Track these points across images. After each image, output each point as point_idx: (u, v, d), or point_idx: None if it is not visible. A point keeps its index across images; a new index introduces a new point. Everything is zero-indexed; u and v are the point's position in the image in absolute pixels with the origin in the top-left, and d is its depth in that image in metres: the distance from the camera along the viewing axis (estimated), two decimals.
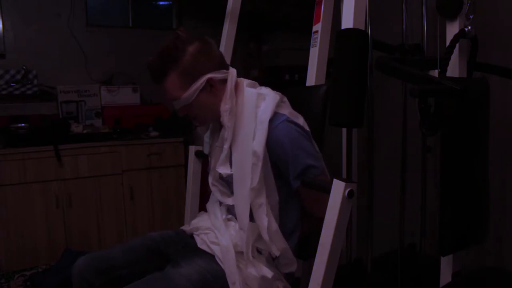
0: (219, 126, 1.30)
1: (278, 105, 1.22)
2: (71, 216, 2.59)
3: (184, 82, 1.22)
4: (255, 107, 1.22)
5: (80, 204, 2.61)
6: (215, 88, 1.25)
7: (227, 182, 1.32)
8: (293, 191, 1.21)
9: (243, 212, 1.21)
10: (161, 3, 3.63)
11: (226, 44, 1.68)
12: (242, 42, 3.50)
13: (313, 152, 1.20)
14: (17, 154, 2.44)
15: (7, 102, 2.73)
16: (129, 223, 2.76)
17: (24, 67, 2.77)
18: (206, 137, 1.45)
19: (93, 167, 2.63)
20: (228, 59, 1.67)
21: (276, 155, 1.19)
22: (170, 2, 3.53)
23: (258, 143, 1.17)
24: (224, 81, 1.26)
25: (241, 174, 1.21)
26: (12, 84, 2.73)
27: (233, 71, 1.29)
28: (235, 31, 1.69)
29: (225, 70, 1.27)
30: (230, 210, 1.32)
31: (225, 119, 1.23)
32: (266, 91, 1.27)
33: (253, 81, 1.33)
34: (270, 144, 1.18)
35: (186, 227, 1.41)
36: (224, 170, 1.27)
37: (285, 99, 1.29)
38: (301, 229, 1.28)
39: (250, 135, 1.19)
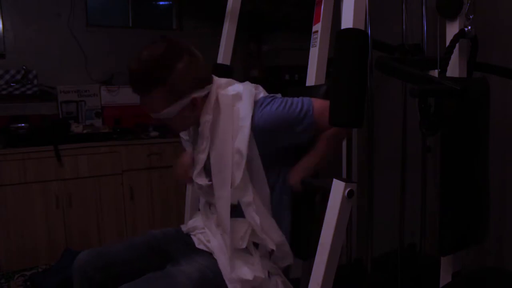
0: (197, 127, 1.29)
1: (255, 96, 1.23)
2: (71, 216, 2.59)
3: (168, 100, 1.18)
4: (232, 110, 1.21)
5: (80, 204, 2.61)
6: (196, 106, 1.22)
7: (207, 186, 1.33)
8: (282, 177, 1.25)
9: (224, 215, 1.21)
10: (161, 3, 3.63)
11: (226, 44, 1.68)
12: (242, 42, 3.50)
13: (295, 105, 1.19)
14: (17, 154, 2.44)
15: (7, 102, 2.73)
16: (129, 223, 2.76)
17: (24, 67, 2.77)
18: (184, 135, 1.44)
19: (93, 167, 2.63)
20: (228, 59, 1.67)
21: (274, 139, 1.20)
22: (170, 2, 3.53)
23: (241, 140, 1.17)
24: (206, 95, 1.24)
25: (221, 178, 1.21)
26: (12, 84, 2.73)
27: (216, 81, 1.26)
28: (235, 31, 1.69)
29: (208, 86, 1.23)
30: None
31: (205, 130, 1.22)
32: (239, 88, 1.25)
33: (228, 79, 1.31)
34: (263, 134, 1.18)
35: (183, 227, 1.41)
36: (201, 181, 1.28)
37: (259, 87, 1.30)
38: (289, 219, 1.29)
39: (229, 137, 1.19)
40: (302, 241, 1.31)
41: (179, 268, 1.17)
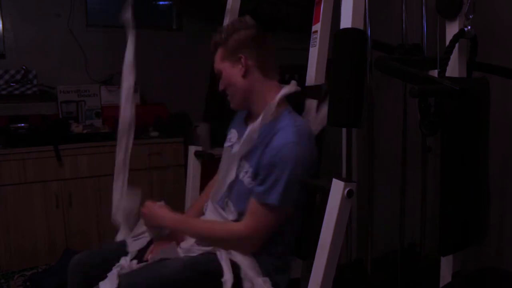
0: None
1: None
2: (71, 216, 2.59)
3: None
4: None
5: (80, 204, 2.61)
6: None
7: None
8: None
9: None
10: (161, 3, 3.63)
11: None
12: None
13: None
14: (17, 154, 2.44)
15: (7, 102, 2.73)
16: None
17: (24, 67, 2.76)
18: None
19: (93, 167, 2.63)
20: None
21: None
22: (170, 2, 3.53)
23: None
24: None
25: None
26: (12, 84, 2.73)
27: None
28: None
29: None
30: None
31: None
32: None
33: None
34: None
35: None
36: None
37: None
38: None
39: None
40: (302, 241, 1.31)
41: (164, 262, 1.17)
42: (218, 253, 1.19)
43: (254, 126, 1.24)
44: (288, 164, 1.15)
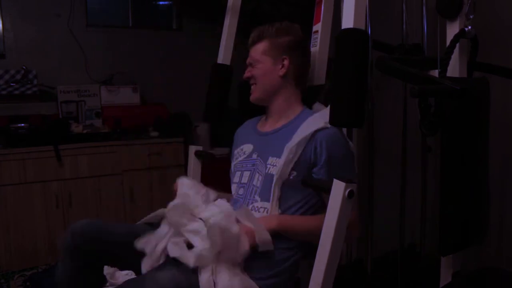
0: None
1: None
2: (71, 216, 2.59)
3: None
4: None
5: (80, 204, 2.61)
6: None
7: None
8: None
9: None
10: (161, 3, 3.63)
11: (226, 44, 1.67)
12: (243, 42, 3.49)
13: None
14: (17, 154, 2.44)
15: (7, 102, 2.73)
16: (129, 223, 2.76)
17: (24, 67, 2.76)
18: None
19: (93, 167, 2.63)
20: (228, 59, 1.67)
21: None
22: (170, 2, 3.53)
23: None
24: None
25: None
26: (12, 84, 2.73)
27: None
28: (236, 28, 1.68)
29: None
30: None
31: None
32: None
33: None
34: None
35: None
36: None
37: None
38: None
39: None
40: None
41: (154, 274, 1.11)
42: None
43: (290, 146, 1.22)
44: (342, 145, 1.23)
